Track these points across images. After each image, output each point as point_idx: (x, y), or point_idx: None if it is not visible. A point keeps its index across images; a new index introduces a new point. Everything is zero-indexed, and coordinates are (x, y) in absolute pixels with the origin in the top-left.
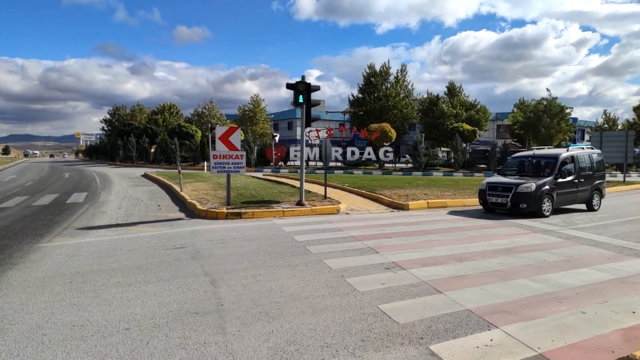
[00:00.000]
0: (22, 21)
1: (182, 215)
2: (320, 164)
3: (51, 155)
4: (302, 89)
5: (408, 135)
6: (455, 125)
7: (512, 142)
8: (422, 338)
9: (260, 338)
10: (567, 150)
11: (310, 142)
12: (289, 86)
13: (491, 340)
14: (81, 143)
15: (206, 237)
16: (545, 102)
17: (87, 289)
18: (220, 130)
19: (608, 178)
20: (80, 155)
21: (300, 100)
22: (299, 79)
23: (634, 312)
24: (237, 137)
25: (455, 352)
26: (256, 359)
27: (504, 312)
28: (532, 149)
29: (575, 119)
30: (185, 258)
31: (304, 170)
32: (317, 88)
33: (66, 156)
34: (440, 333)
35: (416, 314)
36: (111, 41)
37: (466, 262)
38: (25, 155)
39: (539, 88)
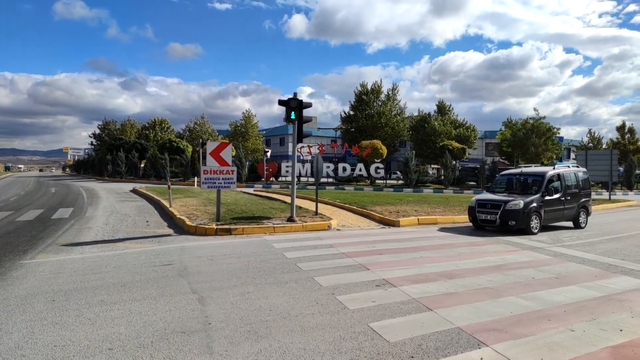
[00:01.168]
0: (11, 35)
1: (171, 231)
2: (311, 179)
3: (40, 170)
4: (294, 106)
5: (399, 152)
6: (445, 142)
7: (501, 160)
8: (412, 357)
9: (249, 358)
10: (554, 169)
11: (302, 157)
12: (281, 102)
13: (481, 358)
14: (69, 157)
15: (195, 254)
16: (532, 122)
17: (70, 308)
18: (211, 146)
19: (594, 196)
20: (67, 170)
21: (292, 116)
22: (291, 96)
23: (621, 330)
24: (228, 153)
25: None
26: None
27: (494, 330)
28: (520, 167)
29: (561, 138)
30: (172, 275)
31: (295, 186)
32: (308, 105)
33: (53, 171)
34: (430, 352)
35: (407, 332)
36: (103, 57)
37: (456, 280)
38: (7, 169)
39: (525, 107)
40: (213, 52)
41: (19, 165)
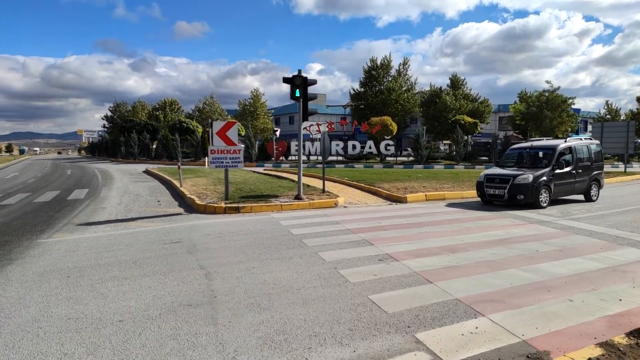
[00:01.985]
0: (21, 19)
1: (181, 210)
2: (321, 158)
3: (59, 152)
4: (298, 83)
5: (410, 128)
6: (457, 117)
7: (514, 134)
8: (409, 327)
9: (251, 328)
10: (565, 142)
11: (311, 136)
12: (285, 80)
13: (476, 327)
14: (83, 140)
15: (204, 232)
16: (547, 94)
17: (83, 283)
18: (217, 126)
19: (610, 169)
20: (82, 152)
21: (297, 94)
22: (296, 73)
23: (620, 300)
24: (234, 132)
25: (440, 340)
26: (245, 348)
27: (492, 301)
28: (531, 141)
29: (578, 110)
30: (181, 252)
31: (302, 165)
32: (314, 82)
33: (70, 153)
34: (427, 321)
35: (405, 304)
36: (111, 37)
37: (459, 253)
38: (21, 153)
39: (542, 79)
40: (220, 30)
41: (35, 148)
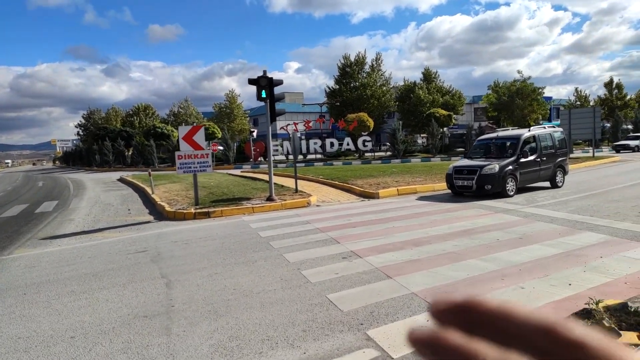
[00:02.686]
0: None
1: (151, 218)
2: (301, 157)
3: (34, 164)
4: (264, 84)
5: (387, 123)
6: (431, 111)
7: (489, 125)
8: (361, 324)
9: (204, 336)
10: (529, 131)
11: (289, 135)
12: (251, 82)
13: (427, 321)
14: (58, 150)
15: (170, 239)
16: (517, 84)
17: (39, 300)
18: (183, 130)
19: (580, 154)
20: (57, 162)
21: (263, 95)
22: (266, 74)
23: (570, 284)
24: (201, 136)
25: (390, 335)
26: (196, 357)
27: (446, 293)
28: (497, 131)
29: (549, 98)
30: (145, 262)
31: (282, 165)
32: (279, 82)
33: (44, 164)
34: (380, 318)
35: (361, 301)
36: (82, 44)
37: (422, 247)
38: None
39: (515, 69)
40: (194, 32)
41: (6, 161)
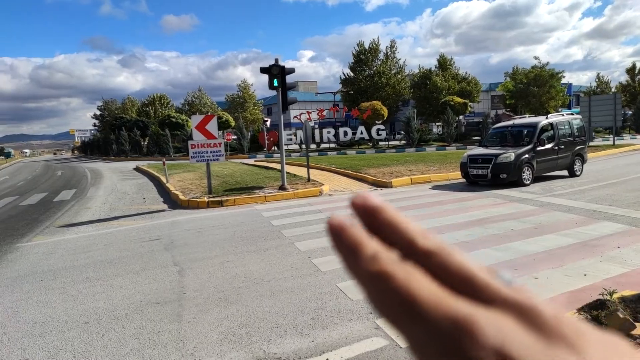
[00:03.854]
0: (5, 20)
1: (165, 206)
2: (314, 146)
3: (54, 153)
4: (276, 73)
5: (401, 111)
6: (447, 98)
7: (505, 112)
8: (370, 313)
9: (214, 324)
10: (547, 118)
11: (302, 124)
12: (263, 70)
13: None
14: (76, 139)
15: (184, 227)
16: (536, 70)
17: (55, 286)
18: (196, 120)
19: (600, 142)
20: (75, 152)
21: (275, 84)
22: (279, 63)
23: (585, 275)
24: (214, 125)
25: None
26: (205, 344)
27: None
28: (513, 119)
29: (570, 85)
30: (158, 249)
31: (295, 154)
32: (291, 70)
33: (63, 154)
34: None
35: None
36: (99, 35)
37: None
38: (7, 157)
39: (533, 55)
40: (209, 21)
41: (24, 150)
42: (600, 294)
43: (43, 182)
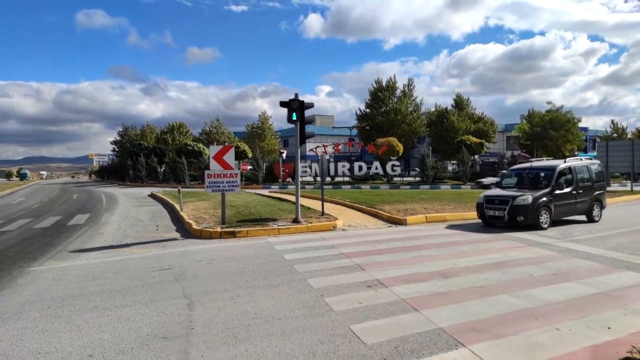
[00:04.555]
0: (36, 46)
1: (178, 235)
2: (329, 179)
3: (72, 176)
4: (295, 107)
5: (417, 148)
6: (462, 138)
7: (521, 154)
8: (385, 359)
9: None
10: (565, 162)
11: (318, 157)
12: (282, 104)
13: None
14: (94, 164)
15: (195, 258)
16: (551, 114)
17: (62, 315)
18: (214, 150)
19: (617, 187)
20: (92, 175)
21: (294, 117)
22: (298, 97)
23: (609, 328)
24: (231, 156)
25: None
26: None
27: (476, 330)
28: (531, 161)
29: (585, 129)
30: (168, 280)
31: (309, 187)
32: (310, 105)
33: (80, 177)
34: (405, 353)
35: (386, 334)
36: (124, 64)
37: (451, 279)
38: (22, 178)
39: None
40: (230, 55)
41: (41, 172)
42: (628, 352)
43: (58, 205)
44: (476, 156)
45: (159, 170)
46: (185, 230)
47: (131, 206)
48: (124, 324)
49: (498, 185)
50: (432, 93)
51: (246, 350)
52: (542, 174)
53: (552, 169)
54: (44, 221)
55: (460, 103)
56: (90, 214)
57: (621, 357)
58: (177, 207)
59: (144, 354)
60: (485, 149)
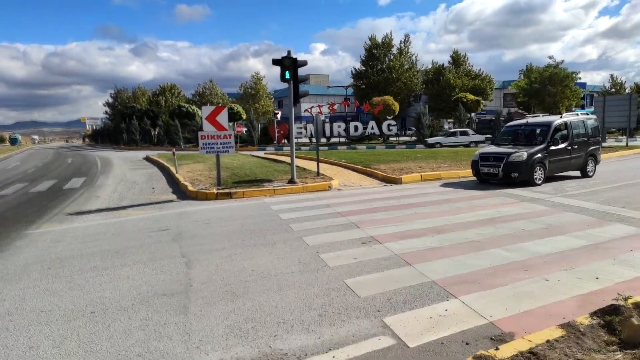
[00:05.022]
0: (19, 6)
1: (174, 197)
2: (324, 140)
3: (66, 141)
4: (288, 65)
5: (413, 107)
6: (459, 95)
7: (518, 111)
8: (378, 311)
9: (220, 317)
10: (561, 117)
11: (313, 117)
12: (275, 62)
13: (446, 310)
14: (87, 128)
15: (192, 219)
16: (550, 69)
17: (63, 275)
18: (206, 110)
19: (612, 143)
20: (86, 140)
21: (287, 76)
22: (285, 55)
23: (597, 278)
24: (224, 117)
25: (407, 324)
26: (211, 337)
27: (467, 282)
28: (526, 118)
29: (584, 84)
30: (166, 240)
31: (305, 148)
32: (304, 63)
33: (74, 142)
34: (398, 305)
35: (380, 288)
36: (111, 23)
37: (444, 234)
38: (13, 143)
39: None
40: (221, 12)
41: (34, 137)
42: (614, 299)
43: (53, 170)
44: (473, 114)
45: (152, 133)
46: (181, 192)
47: (127, 169)
48: (123, 282)
49: (493, 142)
50: (429, 50)
51: (244, 304)
52: (538, 130)
53: (547, 125)
54: (40, 185)
55: (457, 60)
56: (86, 178)
57: (607, 304)
58: (173, 169)
59: (144, 310)
60: (482, 106)
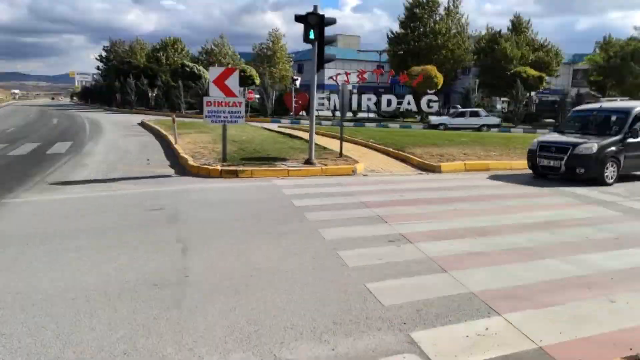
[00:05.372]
0: None
1: (172, 171)
2: (350, 114)
3: (52, 98)
4: (313, 22)
5: (460, 80)
6: (518, 69)
7: (590, 92)
8: (404, 323)
9: (219, 316)
10: None
11: (338, 87)
12: (298, 19)
13: (486, 329)
14: (76, 84)
15: (191, 198)
16: (634, 43)
17: (42, 253)
18: (214, 72)
19: None
20: (75, 98)
21: (312, 36)
22: (317, 11)
23: None
24: (234, 81)
25: (438, 341)
26: (207, 339)
27: (514, 298)
28: (601, 101)
29: None
30: (160, 221)
31: (326, 122)
32: (332, 21)
33: (61, 99)
34: (428, 319)
35: (407, 296)
36: None
37: (489, 237)
38: None
39: (633, 23)
40: None
41: (14, 91)
42: None
43: (36, 131)
44: (533, 93)
45: (150, 94)
46: (180, 166)
47: (119, 135)
48: (109, 267)
49: (556, 129)
50: (484, 12)
51: (246, 303)
52: (613, 118)
53: (626, 111)
54: (20, 148)
55: (518, 26)
56: (73, 143)
57: None
58: (172, 139)
59: (132, 300)
60: (545, 84)
